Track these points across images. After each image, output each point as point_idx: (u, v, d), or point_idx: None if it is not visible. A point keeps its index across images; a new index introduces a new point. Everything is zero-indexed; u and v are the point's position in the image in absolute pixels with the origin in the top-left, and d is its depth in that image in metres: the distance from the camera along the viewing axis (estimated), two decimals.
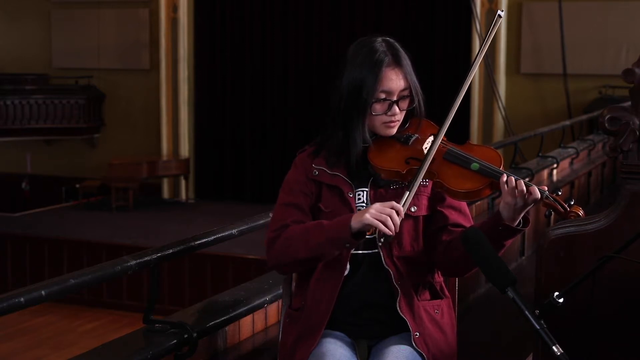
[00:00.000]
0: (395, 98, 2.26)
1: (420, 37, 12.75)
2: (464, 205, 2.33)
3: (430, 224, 2.31)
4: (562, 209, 2.16)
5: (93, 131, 15.27)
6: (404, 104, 2.30)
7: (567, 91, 11.99)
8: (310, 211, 2.30)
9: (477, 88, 12.34)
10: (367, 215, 2.10)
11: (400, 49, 2.30)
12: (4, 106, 14.54)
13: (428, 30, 12.83)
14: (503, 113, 12.07)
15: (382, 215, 2.10)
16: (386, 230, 2.09)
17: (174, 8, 13.99)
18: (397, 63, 2.27)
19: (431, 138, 2.28)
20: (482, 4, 12.20)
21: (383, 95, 2.26)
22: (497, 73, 12.26)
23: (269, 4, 13.75)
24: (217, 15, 14.05)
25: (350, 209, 2.26)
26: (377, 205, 2.13)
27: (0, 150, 15.46)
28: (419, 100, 2.32)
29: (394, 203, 2.12)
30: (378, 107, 2.27)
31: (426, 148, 2.26)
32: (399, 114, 2.29)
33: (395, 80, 2.26)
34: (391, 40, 2.31)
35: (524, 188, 2.11)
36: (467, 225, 2.27)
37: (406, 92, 2.28)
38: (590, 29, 11.88)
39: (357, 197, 2.29)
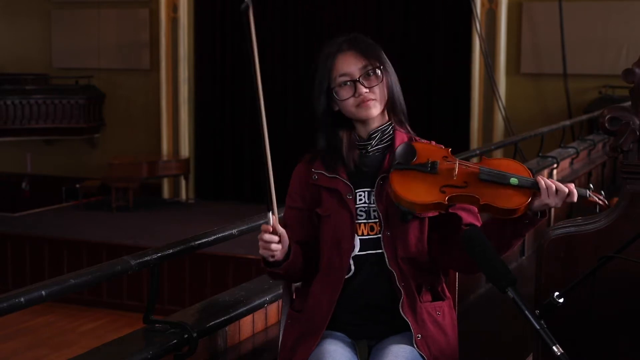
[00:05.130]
0: (357, 77, 2.25)
1: (420, 37, 12.75)
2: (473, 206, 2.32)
3: (441, 227, 2.29)
4: (603, 204, 2.19)
5: (93, 131, 15.28)
6: (369, 82, 2.26)
7: (567, 91, 11.98)
8: (313, 215, 2.31)
9: (477, 88, 12.34)
10: (260, 249, 2.16)
11: (360, 37, 2.31)
12: (4, 106, 14.53)
13: (428, 30, 12.83)
14: (503, 113, 12.07)
15: (260, 244, 2.14)
16: (269, 259, 2.15)
17: (174, 8, 13.99)
18: (350, 46, 2.27)
19: (455, 161, 2.20)
20: (482, 4, 12.20)
21: (344, 79, 2.26)
22: (497, 73, 12.25)
23: (270, 4, 13.74)
24: (217, 15, 14.05)
25: (349, 210, 2.25)
26: (260, 234, 2.15)
27: (0, 150, 15.46)
28: (388, 78, 2.28)
29: (262, 228, 2.13)
30: (343, 93, 2.26)
31: (454, 170, 2.17)
32: (369, 92, 2.25)
33: (351, 61, 2.26)
34: (353, 34, 2.32)
35: (565, 190, 2.11)
36: (479, 225, 2.27)
37: (368, 69, 2.26)
38: (590, 29, 11.87)
39: (357, 198, 2.28)
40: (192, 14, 14.13)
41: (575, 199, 2.13)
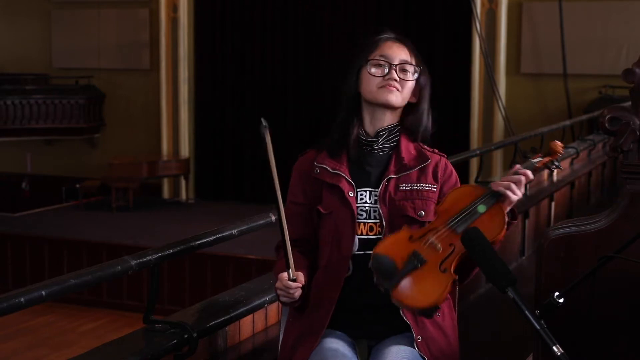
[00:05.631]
0: (395, 63, 2.27)
1: (420, 37, 12.74)
2: None
3: None
4: (547, 158, 2.21)
5: (93, 131, 15.28)
6: (404, 74, 2.28)
7: (567, 91, 11.98)
8: (312, 209, 2.30)
9: (477, 88, 12.34)
10: (280, 297, 2.18)
11: (407, 39, 2.34)
12: (4, 106, 14.53)
13: (428, 30, 12.82)
14: (503, 113, 12.07)
15: (279, 293, 2.16)
16: (290, 304, 2.19)
17: (174, 8, 13.99)
18: (400, 40, 2.31)
19: (430, 236, 2.11)
20: (482, 4, 12.20)
21: (382, 59, 2.27)
22: (497, 73, 12.25)
23: (270, 4, 13.74)
24: (217, 15, 14.05)
25: (350, 209, 2.25)
26: (277, 283, 2.16)
27: (0, 150, 15.46)
28: (420, 85, 2.30)
29: (283, 281, 2.13)
30: (375, 69, 2.27)
31: (435, 244, 2.09)
32: (398, 82, 2.27)
33: (396, 50, 2.28)
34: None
35: (522, 178, 2.13)
36: None
37: (408, 63, 2.28)
38: (590, 29, 11.88)
39: (359, 197, 2.28)
40: (192, 14, 14.12)
41: (532, 176, 2.16)
